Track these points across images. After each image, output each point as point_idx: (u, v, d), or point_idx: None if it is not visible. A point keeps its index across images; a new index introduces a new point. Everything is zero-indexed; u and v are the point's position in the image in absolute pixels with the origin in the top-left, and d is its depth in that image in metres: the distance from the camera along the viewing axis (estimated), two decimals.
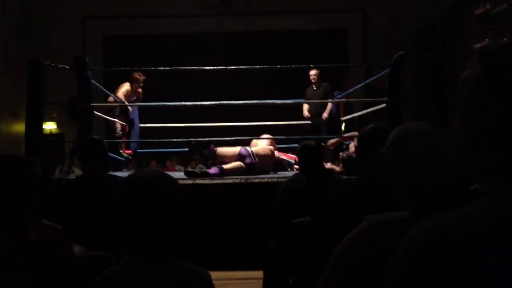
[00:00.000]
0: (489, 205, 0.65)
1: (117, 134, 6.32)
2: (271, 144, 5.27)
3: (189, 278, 1.24)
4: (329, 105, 6.43)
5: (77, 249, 1.99)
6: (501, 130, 0.66)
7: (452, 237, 0.63)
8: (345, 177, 3.70)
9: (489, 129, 0.67)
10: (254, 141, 5.36)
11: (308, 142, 3.22)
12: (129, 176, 1.29)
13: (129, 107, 6.25)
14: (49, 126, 9.52)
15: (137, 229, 1.20)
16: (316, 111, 6.51)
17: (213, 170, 4.58)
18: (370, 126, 1.93)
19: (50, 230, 1.81)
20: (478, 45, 6.53)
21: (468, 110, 0.70)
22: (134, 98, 6.39)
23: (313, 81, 6.54)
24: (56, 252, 1.72)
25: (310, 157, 3.08)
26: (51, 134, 9.46)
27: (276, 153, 5.32)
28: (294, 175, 3.42)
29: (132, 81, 6.37)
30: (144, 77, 6.45)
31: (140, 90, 6.53)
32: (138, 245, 1.21)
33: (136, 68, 5.98)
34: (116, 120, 6.19)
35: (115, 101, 6.21)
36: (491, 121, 0.67)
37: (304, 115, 6.68)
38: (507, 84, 0.66)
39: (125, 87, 6.33)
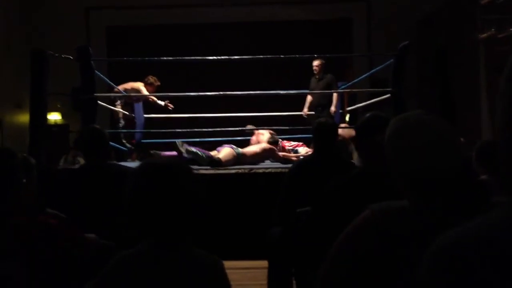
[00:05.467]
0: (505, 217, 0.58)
1: (120, 125, 6.31)
2: (270, 139, 5.25)
3: (203, 265, 1.25)
4: (335, 98, 6.34)
5: (91, 237, 2.02)
6: None
7: (467, 256, 0.57)
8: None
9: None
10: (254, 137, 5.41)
11: (325, 120, 3.08)
12: (146, 162, 1.29)
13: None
14: (54, 116, 9.54)
15: (157, 216, 1.20)
16: (318, 102, 6.47)
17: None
18: (368, 114, 1.93)
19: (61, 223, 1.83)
20: (483, 35, 6.49)
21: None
22: (141, 102, 6.34)
23: (315, 72, 6.50)
24: (56, 242, 1.73)
25: (325, 136, 2.95)
26: (55, 125, 9.48)
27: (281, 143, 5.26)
28: (307, 155, 3.33)
29: (147, 84, 6.33)
30: (159, 83, 6.39)
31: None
32: (157, 232, 1.22)
33: (139, 59, 5.95)
34: (120, 110, 6.18)
35: (119, 93, 6.20)
36: None
37: (303, 113, 6.61)
38: None
39: (140, 87, 6.27)
